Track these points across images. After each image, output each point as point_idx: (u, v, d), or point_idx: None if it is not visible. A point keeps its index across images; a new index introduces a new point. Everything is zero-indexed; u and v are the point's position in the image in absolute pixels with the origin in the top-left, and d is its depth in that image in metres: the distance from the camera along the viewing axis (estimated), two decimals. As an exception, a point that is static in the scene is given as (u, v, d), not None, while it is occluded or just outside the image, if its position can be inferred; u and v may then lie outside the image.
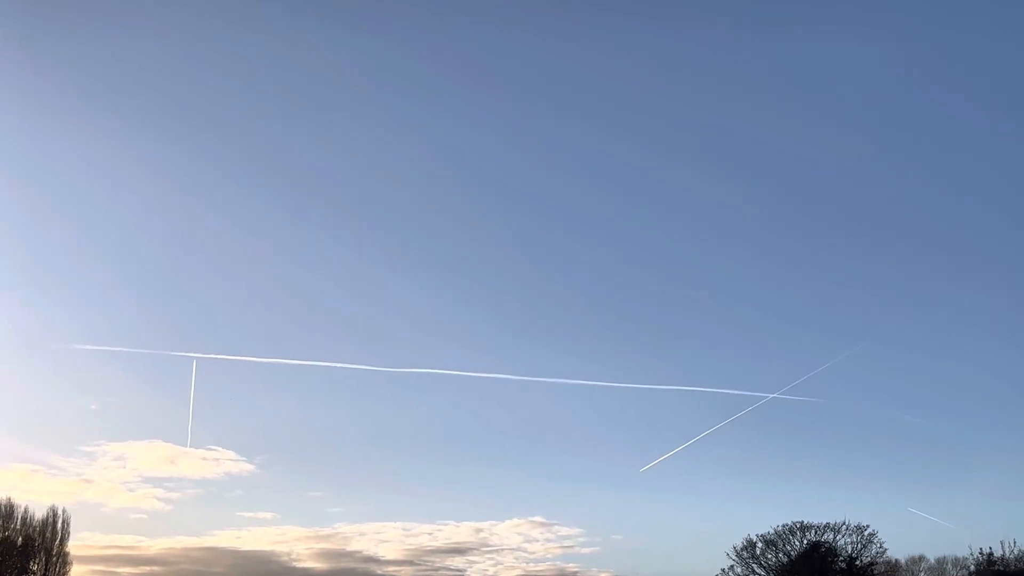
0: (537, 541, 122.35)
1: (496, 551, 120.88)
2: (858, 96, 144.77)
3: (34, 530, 73.08)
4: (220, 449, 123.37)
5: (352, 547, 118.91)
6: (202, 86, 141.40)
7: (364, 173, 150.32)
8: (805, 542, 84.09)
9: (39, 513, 75.15)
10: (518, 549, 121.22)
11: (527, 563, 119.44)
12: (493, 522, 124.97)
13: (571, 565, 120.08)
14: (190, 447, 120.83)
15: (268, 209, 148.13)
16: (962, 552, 79.60)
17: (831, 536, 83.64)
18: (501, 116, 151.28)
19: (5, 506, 73.32)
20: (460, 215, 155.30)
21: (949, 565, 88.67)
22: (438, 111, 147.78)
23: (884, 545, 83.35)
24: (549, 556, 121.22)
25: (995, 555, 73.00)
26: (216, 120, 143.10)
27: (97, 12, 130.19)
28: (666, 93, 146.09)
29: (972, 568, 78.32)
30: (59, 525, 74.89)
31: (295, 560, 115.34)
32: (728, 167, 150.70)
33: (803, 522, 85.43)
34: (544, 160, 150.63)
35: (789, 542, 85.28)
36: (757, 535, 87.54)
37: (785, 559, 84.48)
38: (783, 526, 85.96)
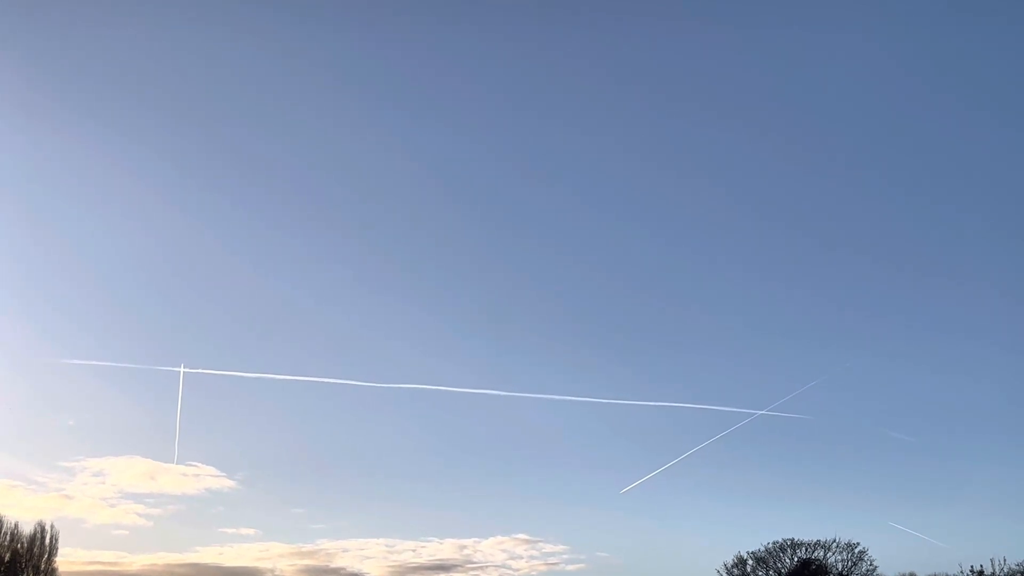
0: (521, 558, 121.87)
1: (480, 568, 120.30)
2: (848, 108, 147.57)
3: (22, 546, 71.90)
4: (200, 465, 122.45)
5: (336, 563, 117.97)
6: (190, 97, 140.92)
7: (352, 187, 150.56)
8: (796, 559, 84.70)
9: (26, 529, 74.21)
10: (502, 566, 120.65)
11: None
12: (477, 539, 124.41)
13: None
14: (176, 463, 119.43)
15: (255, 222, 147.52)
16: (952, 570, 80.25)
17: (822, 553, 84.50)
18: (492, 133, 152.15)
19: (-7, 521, 72.23)
20: (445, 230, 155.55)
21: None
22: (429, 126, 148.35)
23: (874, 563, 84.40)
24: (534, 573, 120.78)
25: (985, 573, 73.47)
26: (205, 132, 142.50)
27: (88, 15, 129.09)
28: (654, 104, 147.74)
29: (961, 586, 78.87)
30: (47, 541, 73.73)
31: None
32: (715, 181, 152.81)
33: (793, 539, 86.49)
34: (533, 175, 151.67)
35: (780, 559, 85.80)
36: (748, 552, 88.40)
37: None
38: (773, 543, 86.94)
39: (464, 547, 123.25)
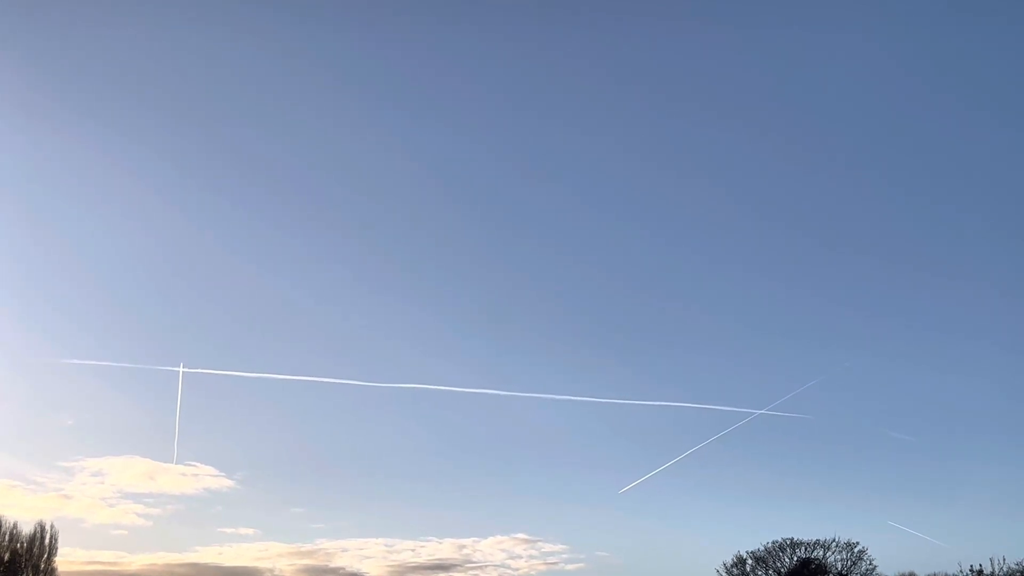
0: (521, 558, 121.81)
1: (480, 568, 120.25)
2: (848, 108, 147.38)
3: (22, 546, 71.98)
4: (199, 465, 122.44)
5: (335, 563, 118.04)
6: (190, 97, 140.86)
7: (352, 187, 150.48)
8: (795, 559, 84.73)
9: (26, 528, 74.34)
10: (502, 566, 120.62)
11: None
12: (476, 539, 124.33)
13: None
14: (175, 463, 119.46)
15: (255, 222, 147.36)
16: (951, 569, 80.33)
17: (821, 553, 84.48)
18: (492, 133, 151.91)
19: (-8, 521, 72.38)
20: (445, 230, 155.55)
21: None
22: (429, 126, 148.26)
23: (874, 562, 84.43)
24: (533, 573, 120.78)
25: (984, 572, 73.53)
26: (205, 132, 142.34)
27: (88, 15, 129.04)
28: (654, 104, 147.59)
29: (961, 585, 78.90)
30: (47, 540, 73.82)
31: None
32: (715, 181, 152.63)
33: (793, 539, 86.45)
34: (533, 175, 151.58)
35: (779, 559, 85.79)
36: (747, 552, 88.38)
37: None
38: (773, 543, 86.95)
39: (463, 547, 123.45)
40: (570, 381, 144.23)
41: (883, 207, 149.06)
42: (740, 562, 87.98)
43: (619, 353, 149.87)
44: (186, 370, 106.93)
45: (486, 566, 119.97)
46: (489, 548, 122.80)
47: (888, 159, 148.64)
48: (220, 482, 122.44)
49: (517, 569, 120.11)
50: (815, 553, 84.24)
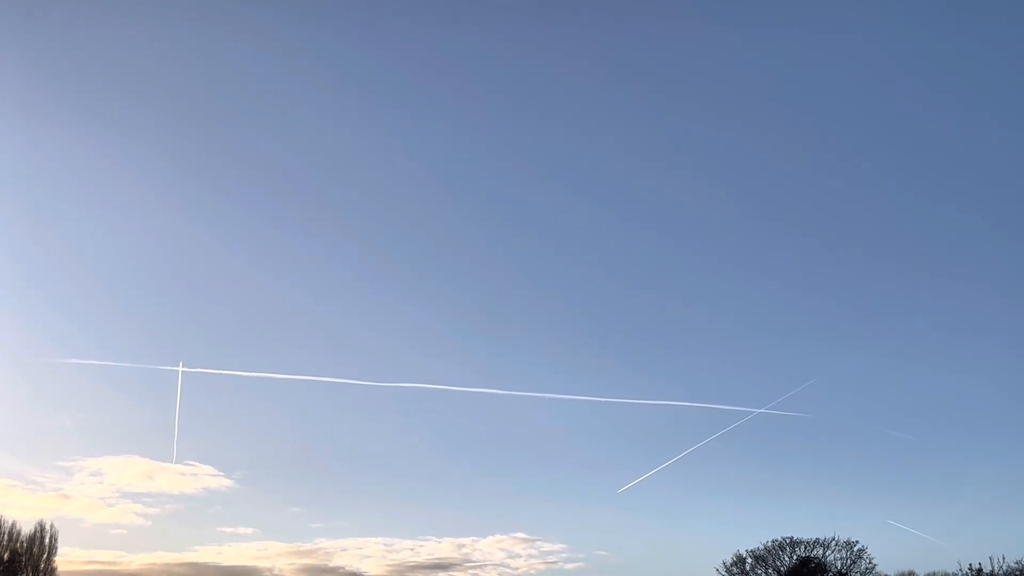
0: (520, 557, 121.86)
1: (479, 567, 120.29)
2: (848, 108, 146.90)
3: (21, 545, 72.09)
4: (198, 464, 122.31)
5: (334, 563, 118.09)
6: (190, 97, 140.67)
7: (352, 187, 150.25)
8: (795, 558, 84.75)
9: (26, 528, 74.42)
10: (501, 565, 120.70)
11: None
12: (475, 538, 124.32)
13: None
14: (174, 462, 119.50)
15: (255, 222, 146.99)
16: (951, 568, 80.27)
17: (821, 551, 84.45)
18: (493, 133, 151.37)
19: (-8, 521, 72.54)
20: (445, 230, 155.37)
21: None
22: (429, 126, 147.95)
23: (873, 560, 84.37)
24: (532, 572, 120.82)
25: (984, 571, 73.50)
26: (205, 132, 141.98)
27: (88, 15, 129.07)
28: (654, 104, 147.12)
29: (960, 583, 78.92)
30: (47, 540, 73.90)
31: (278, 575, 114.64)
32: (715, 181, 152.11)
33: (792, 538, 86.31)
34: (533, 175, 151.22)
35: (779, 558, 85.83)
36: (747, 551, 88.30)
37: (775, 575, 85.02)
38: (773, 542, 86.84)
39: (463, 546, 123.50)
40: (570, 381, 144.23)
41: (883, 207, 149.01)
42: (740, 561, 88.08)
43: (619, 353, 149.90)
44: (186, 370, 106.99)
45: (485, 565, 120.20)
46: (488, 547, 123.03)
47: (888, 159, 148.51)
48: (219, 482, 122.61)
49: (516, 568, 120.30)
50: (815, 552, 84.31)
